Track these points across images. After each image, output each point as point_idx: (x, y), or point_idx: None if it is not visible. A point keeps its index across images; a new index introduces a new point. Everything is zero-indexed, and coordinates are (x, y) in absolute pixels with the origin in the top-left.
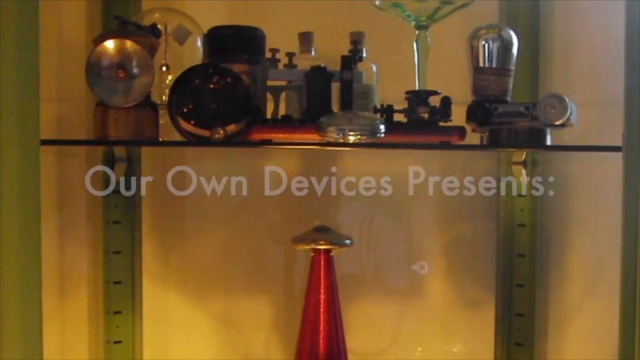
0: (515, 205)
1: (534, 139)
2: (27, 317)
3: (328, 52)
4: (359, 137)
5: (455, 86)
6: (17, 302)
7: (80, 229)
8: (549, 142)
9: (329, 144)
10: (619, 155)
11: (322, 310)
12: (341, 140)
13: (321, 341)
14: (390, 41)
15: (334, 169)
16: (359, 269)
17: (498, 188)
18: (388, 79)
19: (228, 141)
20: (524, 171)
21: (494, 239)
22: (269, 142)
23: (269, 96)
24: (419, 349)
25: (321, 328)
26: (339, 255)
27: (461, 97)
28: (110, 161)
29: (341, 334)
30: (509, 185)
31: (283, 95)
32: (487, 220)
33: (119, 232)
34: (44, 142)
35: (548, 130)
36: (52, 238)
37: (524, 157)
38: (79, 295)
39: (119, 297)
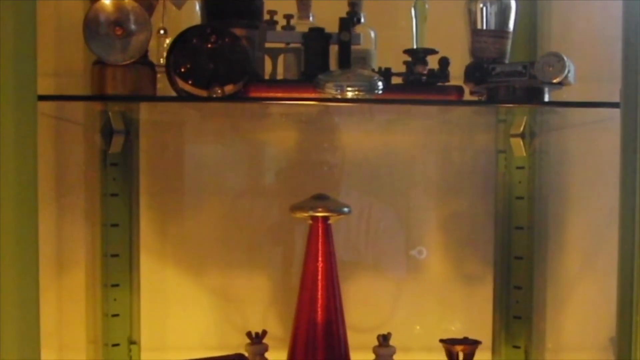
0: (513, 178)
1: (532, 98)
2: (24, 290)
3: (326, 19)
4: (356, 92)
5: (454, 56)
6: (14, 275)
7: (78, 202)
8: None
9: (326, 99)
10: (617, 128)
11: (320, 278)
12: (339, 96)
13: (319, 309)
14: (388, 15)
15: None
16: (356, 245)
17: (496, 160)
18: (386, 53)
19: (225, 97)
20: (522, 143)
21: (492, 212)
22: (266, 99)
23: (267, 60)
24: (417, 327)
25: (319, 296)
26: (336, 232)
27: (458, 71)
28: (108, 133)
29: (339, 302)
30: (507, 158)
31: (281, 60)
32: (485, 193)
33: (117, 205)
34: (41, 98)
35: (546, 89)
36: (50, 210)
37: (522, 128)
38: (77, 267)
39: (117, 270)
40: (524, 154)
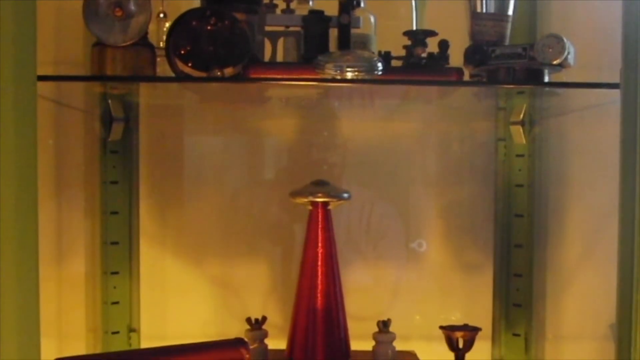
0: (513, 166)
1: (531, 79)
2: (24, 278)
3: (326, 3)
4: (356, 73)
5: (453, 41)
6: (14, 263)
7: (78, 189)
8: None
9: (326, 80)
10: (617, 115)
11: (320, 264)
12: (339, 77)
13: (319, 295)
14: (388, 3)
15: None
16: (356, 233)
17: (496, 148)
18: (386, 40)
19: (225, 78)
20: (522, 130)
21: (492, 200)
22: (266, 79)
23: (267, 44)
24: (417, 317)
25: (319, 282)
26: (335, 220)
27: (457, 55)
28: (107, 121)
29: (339, 288)
30: (507, 146)
31: (281, 44)
32: (485, 181)
33: (116, 193)
34: (41, 78)
35: (546, 71)
36: (49, 198)
37: (521, 116)
38: (76, 255)
39: (116, 257)
40: (524, 142)
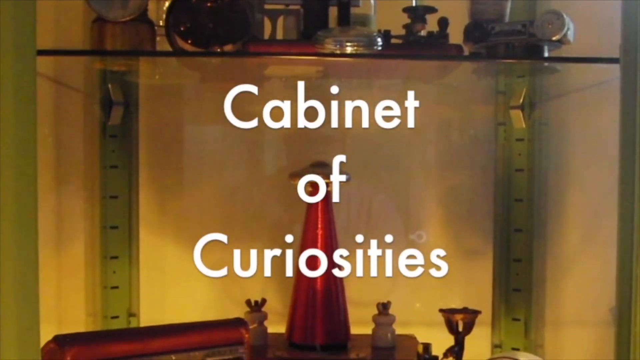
0: (513, 150)
1: (531, 55)
2: (23, 262)
3: None
4: (356, 48)
5: (453, 21)
6: (13, 248)
7: (77, 174)
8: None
9: (325, 55)
10: (616, 97)
11: (319, 246)
12: (338, 52)
13: (318, 278)
14: None
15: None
16: (355, 218)
17: (496, 133)
18: (386, 23)
19: (224, 53)
20: (521, 115)
21: (491, 185)
22: (266, 53)
23: (266, 22)
24: (417, 304)
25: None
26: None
27: (457, 35)
28: (107, 105)
29: None
30: (506, 130)
31: (280, 23)
32: (484, 165)
33: (116, 177)
34: (41, 52)
35: (545, 48)
36: (49, 182)
37: (521, 100)
38: (76, 240)
39: (116, 242)
40: (524, 126)
